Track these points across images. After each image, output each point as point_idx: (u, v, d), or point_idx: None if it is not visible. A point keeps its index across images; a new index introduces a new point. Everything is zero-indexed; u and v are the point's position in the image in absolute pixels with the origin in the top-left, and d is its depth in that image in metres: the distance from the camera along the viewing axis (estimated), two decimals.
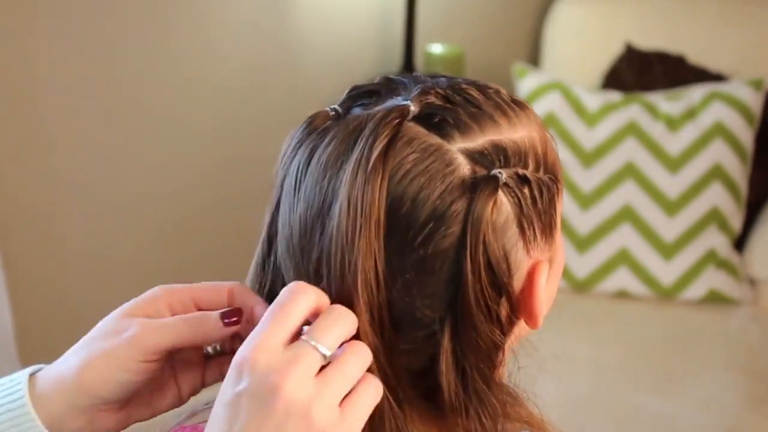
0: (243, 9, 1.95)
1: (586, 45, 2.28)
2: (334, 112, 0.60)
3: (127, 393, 0.61)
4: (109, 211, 1.85)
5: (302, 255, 0.58)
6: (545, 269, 0.60)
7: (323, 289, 0.56)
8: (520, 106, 0.62)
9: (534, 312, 0.61)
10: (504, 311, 0.59)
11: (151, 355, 0.60)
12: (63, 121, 1.73)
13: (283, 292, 0.54)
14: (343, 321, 0.54)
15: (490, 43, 2.40)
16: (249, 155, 2.01)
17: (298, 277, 0.58)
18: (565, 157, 2.03)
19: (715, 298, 1.97)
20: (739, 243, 2.06)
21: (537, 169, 0.60)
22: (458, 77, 0.63)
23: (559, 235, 0.63)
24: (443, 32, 2.27)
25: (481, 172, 0.57)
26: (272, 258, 0.62)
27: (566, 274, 1.99)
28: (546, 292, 0.61)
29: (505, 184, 0.57)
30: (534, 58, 2.43)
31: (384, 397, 0.55)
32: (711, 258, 1.97)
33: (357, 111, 0.60)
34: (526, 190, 0.58)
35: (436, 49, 2.14)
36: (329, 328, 0.53)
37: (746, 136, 2.02)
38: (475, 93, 0.60)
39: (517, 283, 0.60)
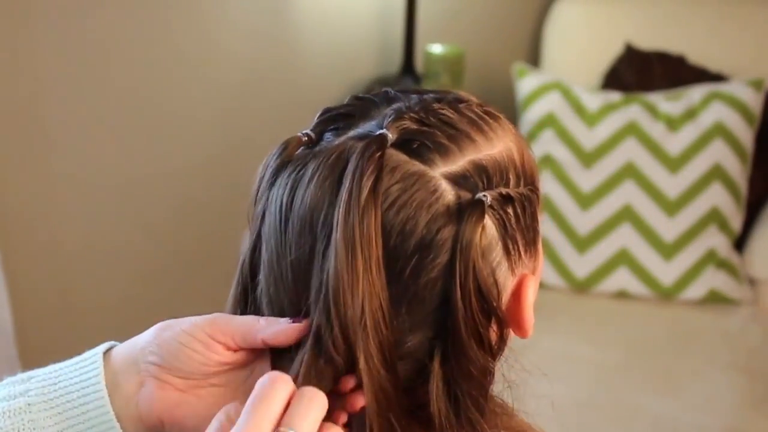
0: (243, 9, 1.95)
1: (586, 45, 2.28)
2: (306, 138, 0.60)
3: (181, 364, 0.59)
4: (108, 211, 1.85)
5: (297, 297, 0.57)
6: (532, 282, 0.60)
7: (311, 328, 0.55)
8: (493, 117, 0.61)
9: (524, 325, 0.61)
10: (494, 335, 0.58)
11: (219, 334, 0.59)
12: (62, 121, 1.73)
13: (262, 385, 0.52)
14: (316, 403, 0.52)
15: (490, 43, 2.40)
16: (250, 156, 2.00)
17: (281, 316, 0.58)
18: (565, 157, 2.03)
19: (715, 298, 1.97)
20: (739, 243, 2.06)
21: (518, 183, 0.60)
22: (428, 91, 0.62)
23: (540, 243, 0.63)
24: (443, 32, 2.27)
25: (465, 196, 0.56)
26: (257, 292, 0.61)
27: (566, 274, 1.98)
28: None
29: (490, 206, 0.57)
30: (534, 58, 2.43)
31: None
32: (711, 258, 1.97)
33: (329, 136, 0.60)
34: (509, 210, 0.58)
35: (436, 49, 2.14)
36: (306, 414, 0.52)
37: (746, 136, 2.02)
38: (448, 112, 0.59)
39: (504, 301, 0.59)
